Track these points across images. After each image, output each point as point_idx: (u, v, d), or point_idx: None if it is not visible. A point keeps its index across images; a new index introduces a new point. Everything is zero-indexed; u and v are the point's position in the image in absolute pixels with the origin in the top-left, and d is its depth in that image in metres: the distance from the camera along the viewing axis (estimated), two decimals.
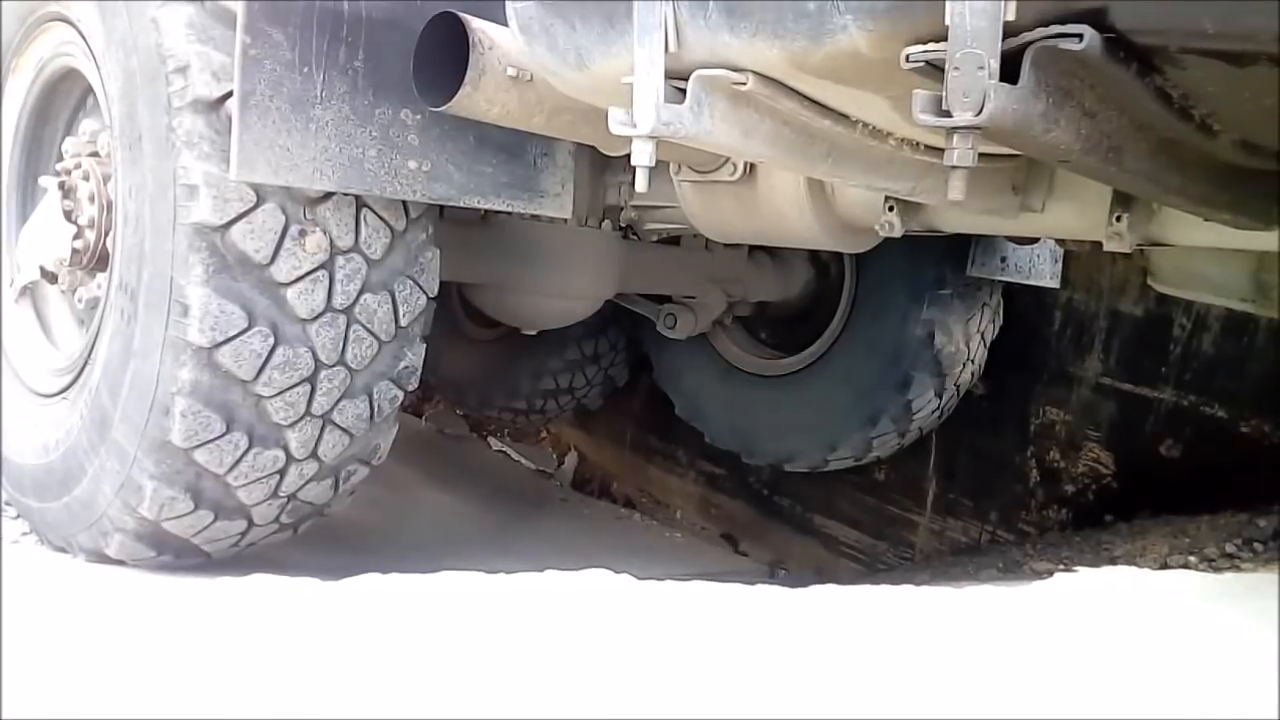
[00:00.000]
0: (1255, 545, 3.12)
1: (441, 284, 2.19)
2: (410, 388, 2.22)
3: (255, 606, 1.52)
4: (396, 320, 2.09)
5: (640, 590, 1.62)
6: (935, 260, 3.45)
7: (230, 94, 1.76)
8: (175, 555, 2.15)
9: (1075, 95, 1.04)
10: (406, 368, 2.17)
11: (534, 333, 3.67)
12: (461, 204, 2.01)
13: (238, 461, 1.98)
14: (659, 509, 5.28)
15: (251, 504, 2.09)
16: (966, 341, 3.59)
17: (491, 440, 5.60)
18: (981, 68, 0.96)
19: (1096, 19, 0.94)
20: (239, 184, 1.80)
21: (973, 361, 3.67)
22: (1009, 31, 0.96)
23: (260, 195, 1.85)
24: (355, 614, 1.45)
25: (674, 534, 4.96)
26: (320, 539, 2.67)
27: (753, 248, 3.62)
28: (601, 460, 5.56)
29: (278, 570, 2.25)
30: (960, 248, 3.39)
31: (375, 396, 2.13)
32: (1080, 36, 0.93)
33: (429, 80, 1.77)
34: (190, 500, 2.00)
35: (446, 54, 1.72)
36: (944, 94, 0.99)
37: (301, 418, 2.00)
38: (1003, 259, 3.32)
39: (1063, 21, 0.95)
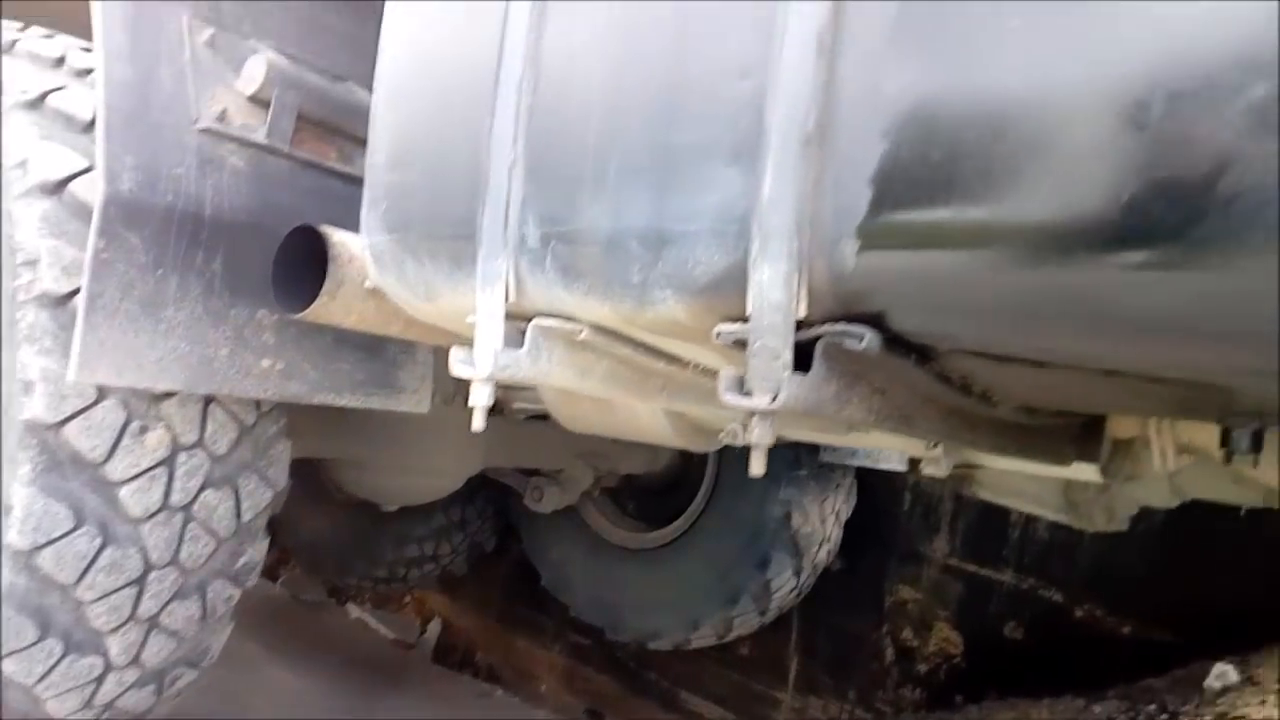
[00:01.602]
0: None
1: None
2: (249, 585, 2.15)
3: None
4: (238, 516, 2.04)
5: None
6: (791, 444, 3.59)
7: (78, 291, 1.75)
8: None
9: (866, 376, 1.15)
10: (246, 565, 2.11)
11: (393, 509, 3.60)
12: (314, 401, 2.01)
13: (49, 671, 1.85)
14: (523, 681, 5.11)
15: (61, 716, 1.95)
16: (822, 521, 3.71)
17: (351, 607, 5.37)
18: (777, 357, 1.06)
19: (876, 320, 1.05)
20: (78, 382, 1.76)
21: (829, 540, 3.78)
22: (802, 324, 1.07)
23: (101, 392, 1.81)
24: None
25: (536, 712, 4.79)
26: None
27: None
28: (466, 628, 5.39)
29: None
30: None
31: (209, 596, 2.05)
32: (861, 337, 1.04)
33: (287, 288, 1.80)
34: None
35: (306, 262, 1.77)
36: (745, 376, 1.08)
37: (125, 623, 1.90)
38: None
39: (848, 320, 1.06)
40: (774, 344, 1.06)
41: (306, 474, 4.14)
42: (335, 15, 2.07)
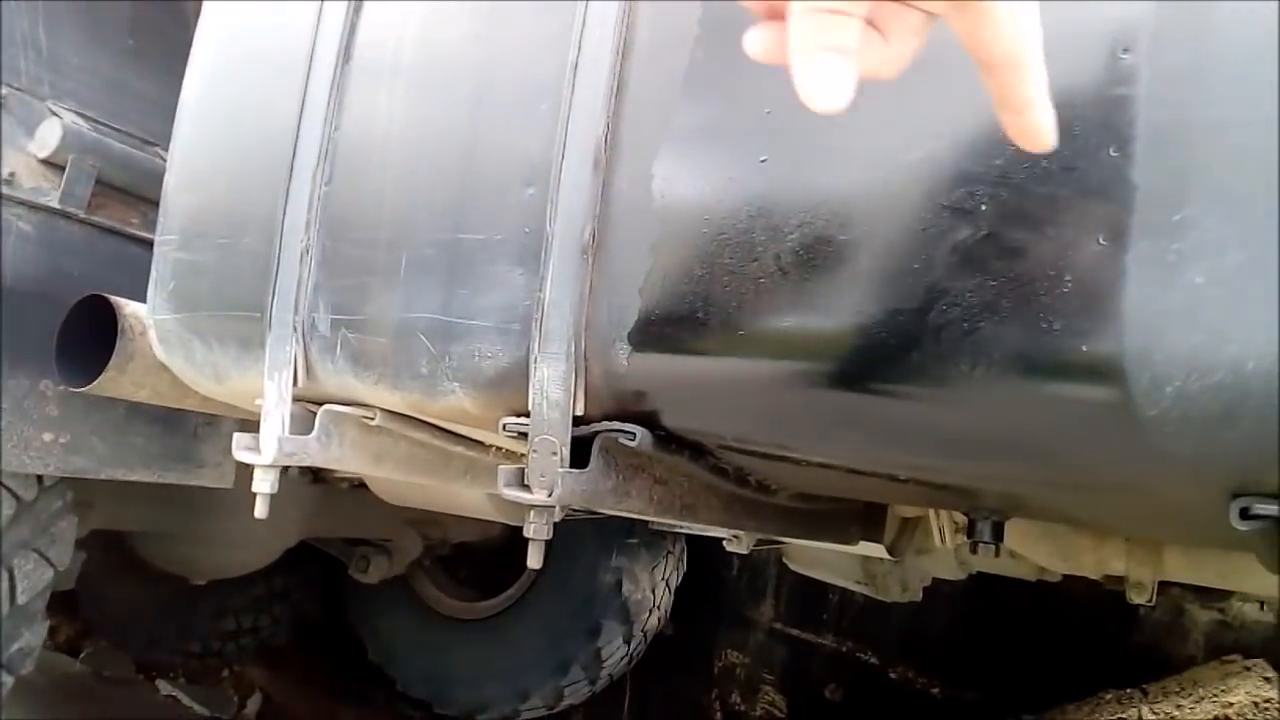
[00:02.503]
0: None
1: None
2: (25, 671, 1.99)
3: None
4: (13, 599, 1.89)
5: None
6: None
7: None
8: None
9: (645, 469, 1.19)
10: (20, 650, 1.95)
11: (203, 583, 3.41)
12: (102, 477, 1.90)
13: None
14: None
15: None
16: (653, 589, 3.75)
17: (161, 683, 5.00)
18: (554, 453, 1.09)
19: (649, 419, 1.10)
20: None
21: (659, 608, 3.82)
22: (580, 420, 1.10)
23: None
24: None
25: None
26: None
27: None
28: (290, 702, 5.10)
29: None
30: None
31: None
32: (634, 435, 1.08)
33: (73, 359, 1.71)
34: None
35: (95, 333, 1.69)
36: (525, 472, 1.10)
37: None
38: None
39: (623, 418, 1.10)
40: (552, 440, 1.09)
41: (112, 543, 3.87)
42: (145, 79, 2.01)
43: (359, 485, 3.40)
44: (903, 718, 3.67)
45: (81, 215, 1.87)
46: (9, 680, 1.97)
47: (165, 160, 1.98)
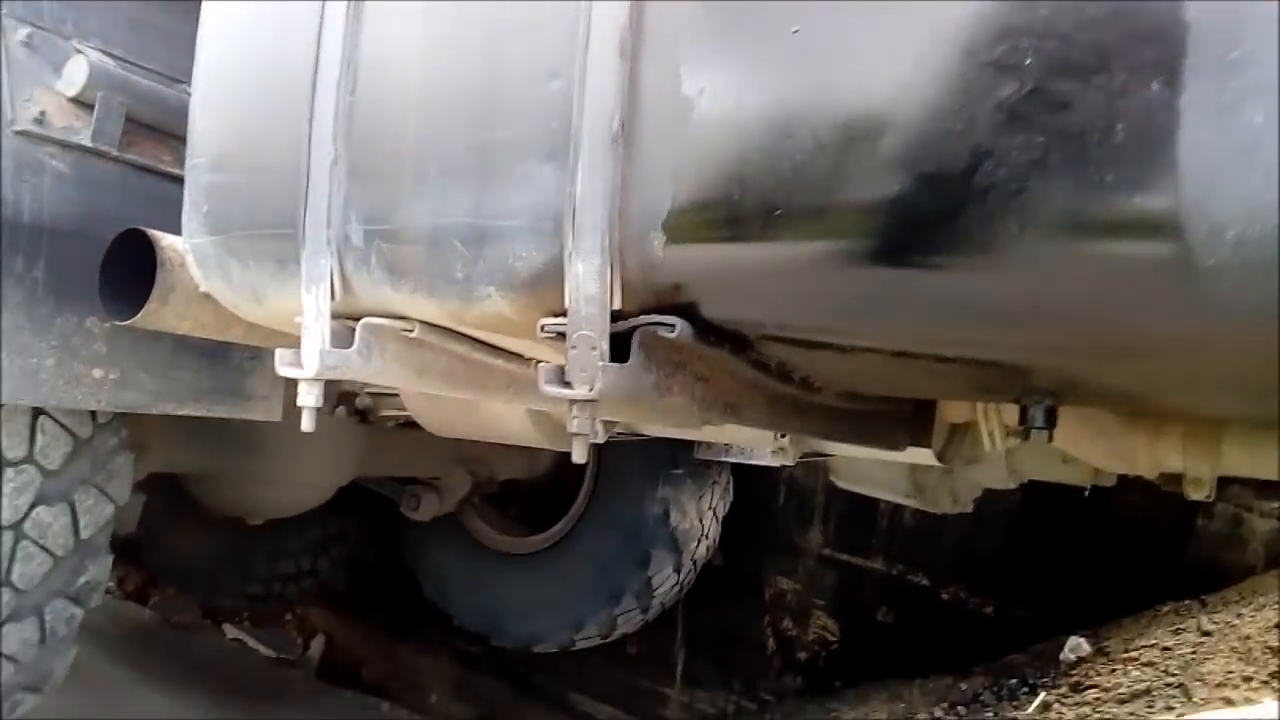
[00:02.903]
0: (959, 709, 3.38)
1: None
2: (93, 604, 2.05)
3: None
4: (76, 533, 1.95)
5: None
6: (668, 443, 3.63)
7: None
8: None
9: (686, 365, 1.18)
10: (87, 583, 2.01)
11: (259, 523, 3.49)
12: (154, 411, 1.94)
13: None
14: (412, 693, 5.02)
15: None
16: (700, 518, 3.77)
17: (227, 627, 5.17)
18: (594, 348, 1.07)
19: (688, 310, 1.08)
20: None
21: (708, 537, 3.84)
22: (618, 316, 1.09)
23: None
24: None
25: None
26: None
27: None
28: (351, 643, 5.26)
29: None
30: None
31: (48, 618, 1.95)
32: (673, 326, 1.07)
33: (116, 293, 1.73)
34: None
35: (136, 268, 1.70)
36: (565, 369, 1.09)
37: None
38: (725, 442, 3.55)
39: (661, 311, 1.08)
40: (590, 335, 1.07)
41: (172, 491, 3.98)
42: (166, 16, 2.00)
43: (406, 424, 3.44)
44: (956, 638, 3.67)
45: (114, 153, 1.88)
46: (79, 613, 2.03)
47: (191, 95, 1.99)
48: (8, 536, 1.84)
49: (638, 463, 3.70)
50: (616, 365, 1.08)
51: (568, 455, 3.99)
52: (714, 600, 4.18)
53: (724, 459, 3.63)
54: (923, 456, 1.86)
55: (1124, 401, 1.34)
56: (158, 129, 1.96)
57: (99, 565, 2.03)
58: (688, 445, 3.66)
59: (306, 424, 1.34)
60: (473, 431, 2.49)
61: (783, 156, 0.95)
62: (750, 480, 4.06)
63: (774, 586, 4.09)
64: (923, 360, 1.09)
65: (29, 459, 1.85)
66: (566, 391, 1.10)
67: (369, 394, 3.05)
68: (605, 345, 1.08)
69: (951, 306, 0.93)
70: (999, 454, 2.02)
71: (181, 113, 1.95)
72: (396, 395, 2.94)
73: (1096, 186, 0.82)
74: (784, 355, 1.20)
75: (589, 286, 1.08)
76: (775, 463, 3.67)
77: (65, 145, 1.80)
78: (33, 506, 1.87)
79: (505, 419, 2.32)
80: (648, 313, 1.09)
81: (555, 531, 3.93)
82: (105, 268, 1.74)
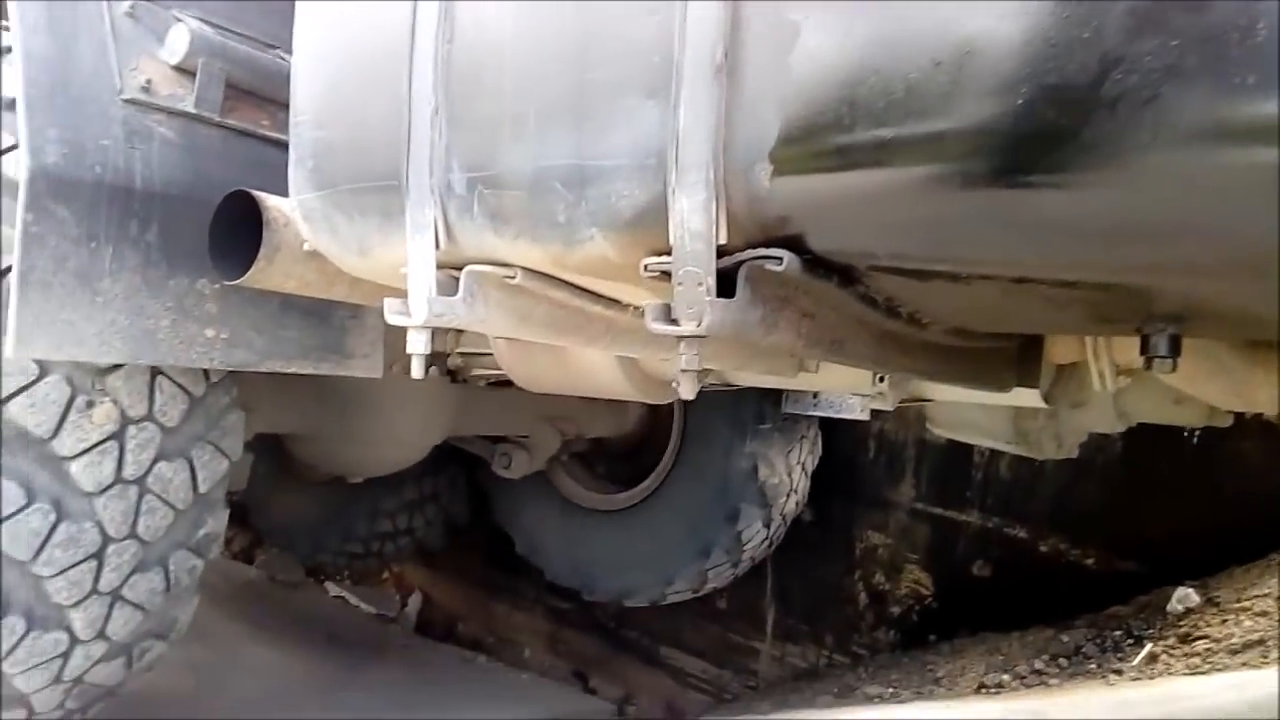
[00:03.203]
0: (1060, 661, 3.32)
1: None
2: (212, 555, 2.15)
3: None
4: (194, 487, 2.03)
5: None
6: (755, 398, 3.62)
7: (11, 268, 1.73)
8: None
9: (793, 301, 1.16)
10: (207, 535, 2.11)
11: (359, 480, 3.60)
12: (263, 369, 2.01)
13: (14, 648, 1.85)
14: (506, 648, 5.15)
15: (30, 692, 1.95)
16: (789, 473, 3.75)
17: (329, 585, 5.37)
18: (701, 284, 1.07)
19: (795, 243, 1.07)
20: (19, 358, 1.75)
21: (796, 491, 3.82)
22: (724, 251, 1.08)
23: (44, 368, 1.80)
24: None
25: (520, 675, 4.83)
26: (125, 713, 2.49)
27: None
28: (447, 600, 5.42)
29: None
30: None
31: (172, 568, 2.05)
32: (781, 259, 1.05)
33: (225, 254, 1.79)
34: None
35: (243, 229, 1.75)
36: (672, 305, 1.09)
37: (87, 596, 1.90)
38: (814, 396, 3.52)
39: (768, 244, 1.07)
40: (697, 271, 1.07)
41: (275, 454, 4.13)
42: None
43: (497, 384, 3.50)
44: (1056, 591, 3.59)
45: (216, 119, 1.93)
46: (200, 564, 2.13)
47: (288, 62, 2.03)
48: (133, 491, 1.93)
49: (725, 418, 3.70)
50: (724, 300, 1.07)
51: (654, 412, 4.02)
52: (804, 555, 4.17)
53: (812, 413, 3.60)
54: (1028, 398, 1.81)
55: (1253, 327, 1.28)
56: (256, 94, 2.00)
57: (216, 518, 2.12)
58: (775, 400, 3.64)
59: (416, 370, 1.37)
60: (564, 385, 2.52)
61: (896, 77, 0.93)
62: (839, 435, 4.02)
63: (865, 541, 4.06)
64: (1042, 288, 1.05)
65: (149, 417, 1.93)
66: (674, 329, 1.10)
67: (460, 354, 3.11)
68: (712, 281, 1.07)
69: (1077, 225, 0.89)
70: (1107, 395, 1.96)
71: (278, 77, 2.01)
72: (487, 355, 2.99)
73: (1236, 90, 0.78)
74: (893, 288, 1.17)
75: (694, 222, 1.07)
76: (865, 415, 3.63)
77: (171, 112, 1.86)
78: (154, 462, 1.96)
79: (596, 371, 2.34)
80: (753, 247, 1.08)
81: (644, 488, 3.97)
82: (214, 230, 1.79)
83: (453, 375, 3.24)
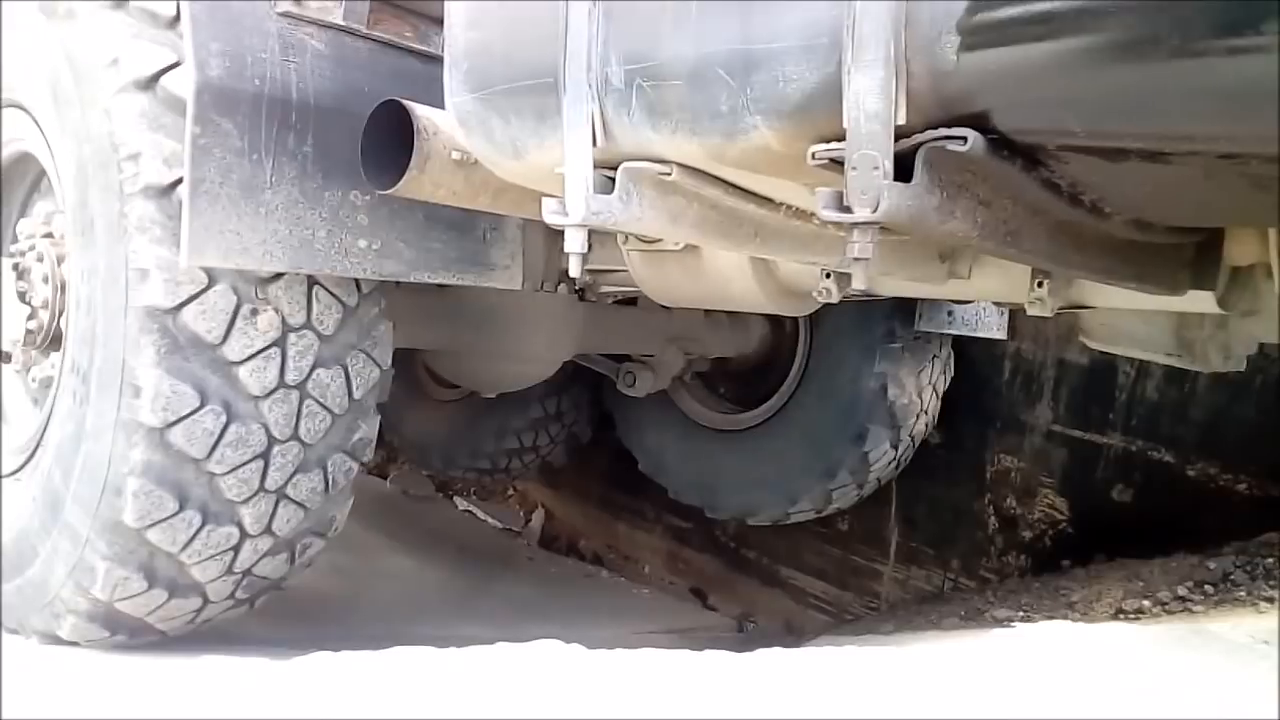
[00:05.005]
0: (1206, 587, 3.19)
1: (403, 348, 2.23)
2: (366, 459, 2.25)
3: (204, 688, 1.52)
4: (350, 394, 2.12)
5: (589, 661, 1.65)
6: (885, 315, 3.54)
7: (181, 180, 1.81)
8: (129, 635, 2.14)
9: (969, 187, 1.11)
10: (361, 439, 2.20)
11: (493, 395, 3.70)
12: (411, 279, 2.06)
13: (191, 539, 1.99)
14: (627, 565, 5.28)
15: (206, 581, 2.10)
16: (919, 393, 3.67)
17: (457, 500, 5.59)
18: (876, 168, 1.03)
19: (980, 122, 1.01)
20: (190, 267, 1.84)
21: (926, 413, 3.74)
22: (901, 134, 1.03)
23: (212, 277, 1.89)
24: (302, 694, 1.46)
25: (642, 590, 4.96)
26: (281, 610, 2.67)
27: None
28: (569, 517, 5.57)
29: (234, 646, 2.25)
30: (909, 303, 3.48)
31: (330, 469, 2.15)
32: (965, 139, 1.00)
33: (376, 164, 1.83)
34: (144, 580, 2.00)
35: (392, 139, 1.79)
36: (844, 191, 1.06)
37: (255, 494, 2.02)
38: (949, 313, 3.41)
39: (949, 125, 1.02)
40: (873, 154, 1.03)
41: (408, 373, 4.28)
42: None
43: (623, 302, 3.52)
44: (1204, 517, 3.44)
45: (363, 31, 1.96)
46: (355, 466, 2.23)
47: None
48: (294, 395, 2.03)
49: (853, 337, 3.64)
50: (900, 185, 1.03)
51: (778, 333, 3.97)
52: (932, 477, 4.09)
53: (947, 330, 3.50)
54: (1200, 303, 1.71)
55: None
56: (399, 6, 2.02)
57: (370, 423, 2.21)
58: (907, 318, 3.55)
59: (574, 268, 1.38)
60: (696, 296, 2.51)
61: None
62: (973, 355, 3.90)
63: (996, 464, 3.95)
64: (1251, 164, 0.97)
65: (308, 324, 2.02)
66: (846, 215, 1.06)
67: (589, 271, 3.12)
68: (889, 164, 1.03)
69: None
70: None
71: None
72: (615, 272, 2.99)
73: None
74: (1080, 171, 1.11)
75: (871, 102, 1.03)
76: (1002, 334, 3.51)
77: (321, 25, 1.90)
78: (313, 369, 2.04)
79: (730, 281, 2.31)
80: (934, 127, 1.03)
81: (769, 407, 3.95)
82: (365, 141, 1.83)
83: (580, 293, 3.27)
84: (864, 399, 3.63)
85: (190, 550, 2.00)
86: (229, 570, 2.10)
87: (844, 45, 1.04)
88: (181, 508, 1.95)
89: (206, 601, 2.17)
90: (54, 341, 2.24)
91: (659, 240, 2.32)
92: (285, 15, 1.86)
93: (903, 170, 1.04)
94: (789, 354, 3.94)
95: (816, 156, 1.10)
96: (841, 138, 1.07)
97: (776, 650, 1.72)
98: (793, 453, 3.82)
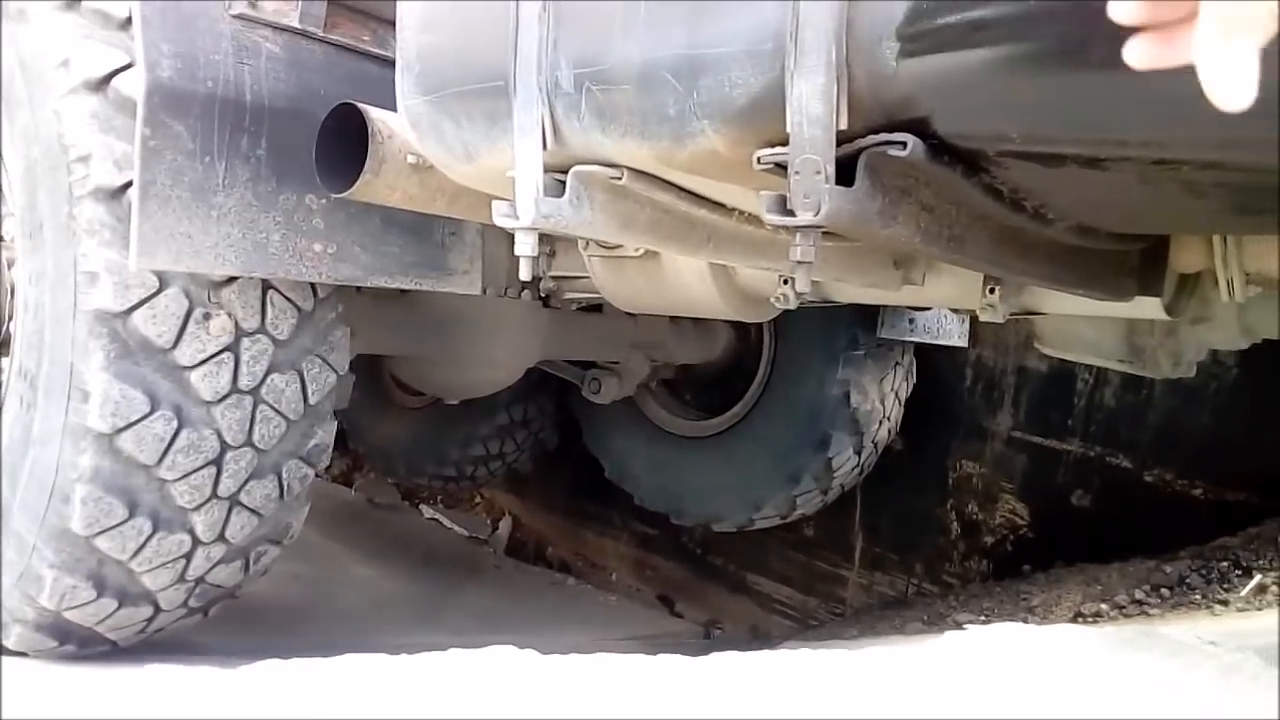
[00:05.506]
0: (1162, 591, 3.23)
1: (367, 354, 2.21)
2: (322, 465, 2.23)
3: (146, 697, 1.50)
4: (305, 399, 2.10)
5: (542, 666, 1.64)
6: (848, 322, 3.56)
7: (131, 183, 1.79)
8: (79, 645, 2.11)
9: (912, 192, 1.12)
10: (317, 446, 2.18)
11: (456, 402, 3.68)
12: (368, 284, 2.05)
13: (141, 547, 1.96)
14: (594, 572, 5.27)
15: (157, 589, 2.07)
16: (882, 400, 3.70)
17: (424, 508, 5.55)
18: (819, 172, 1.04)
19: (921, 127, 1.02)
20: (140, 270, 1.82)
21: (889, 419, 3.77)
22: (844, 139, 1.04)
23: (163, 280, 1.86)
24: (247, 701, 1.44)
25: (609, 597, 4.95)
26: (239, 620, 2.64)
27: None
28: (536, 524, 5.55)
29: (188, 656, 2.22)
30: (871, 310, 3.51)
31: (285, 476, 2.13)
32: (905, 144, 1.01)
33: (331, 168, 1.81)
34: (92, 588, 1.97)
35: (348, 143, 1.77)
36: (787, 195, 1.06)
37: (207, 500, 2.00)
38: (910, 321, 3.44)
39: (890, 130, 1.03)
40: (815, 159, 1.03)
41: (374, 381, 4.25)
42: None
43: (588, 309, 3.52)
44: (1160, 522, 3.49)
45: (319, 34, 1.95)
46: (311, 472, 2.21)
47: None
48: (248, 401, 2.01)
49: (817, 344, 3.66)
50: (842, 189, 1.04)
51: (743, 341, 3.99)
52: (896, 484, 4.13)
53: (908, 339, 3.53)
54: (1148, 309, 1.73)
55: None
56: (356, 10, 2.01)
57: (326, 429, 2.19)
58: (869, 326, 3.58)
59: (524, 272, 1.38)
60: (657, 303, 2.51)
61: None
62: (935, 362, 3.94)
63: (959, 470, 3.99)
64: (1183, 170, 0.99)
65: (262, 329, 2.00)
66: (789, 219, 1.07)
67: (552, 278, 3.12)
68: (830, 169, 1.04)
69: None
70: (1232, 308, 1.86)
71: None
72: (578, 279, 2.99)
73: None
74: (1021, 176, 1.12)
75: (813, 107, 1.04)
76: (963, 342, 3.54)
77: (276, 27, 1.88)
78: (268, 374, 2.02)
79: (690, 287, 2.32)
80: (875, 132, 1.04)
81: (733, 414, 3.97)
82: (320, 144, 1.82)
83: (545, 300, 3.26)
84: (827, 406, 3.65)
85: (140, 558, 1.97)
86: (181, 578, 2.07)
87: (787, 50, 1.05)
88: (131, 515, 1.92)
89: (158, 610, 2.14)
90: (1, 346, 2.20)
91: (619, 246, 2.32)
92: (240, 17, 1.84)
93: (846, 175, 1.05)
94: (754, 361, 3.96)
95: (762, 161, 1.11)
96: (786, 142, 1.08)
97: (732, 654, 1.73)
98: (757, 459, 3.84)
